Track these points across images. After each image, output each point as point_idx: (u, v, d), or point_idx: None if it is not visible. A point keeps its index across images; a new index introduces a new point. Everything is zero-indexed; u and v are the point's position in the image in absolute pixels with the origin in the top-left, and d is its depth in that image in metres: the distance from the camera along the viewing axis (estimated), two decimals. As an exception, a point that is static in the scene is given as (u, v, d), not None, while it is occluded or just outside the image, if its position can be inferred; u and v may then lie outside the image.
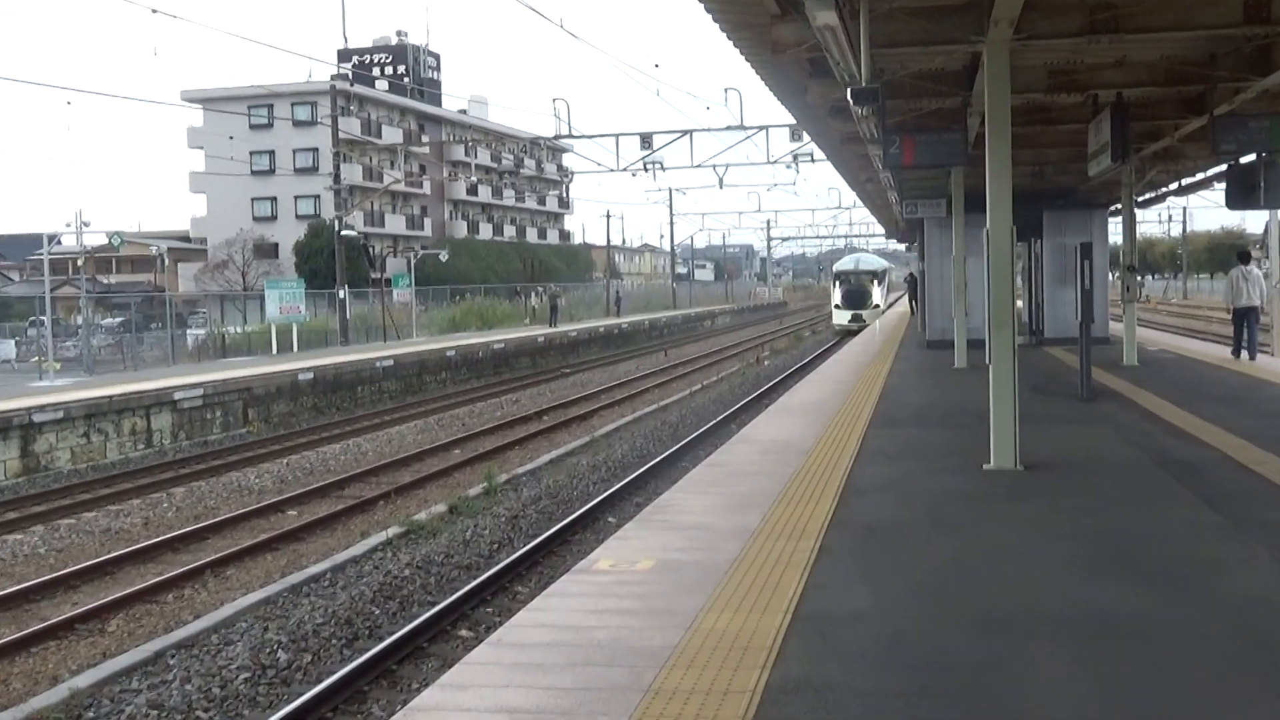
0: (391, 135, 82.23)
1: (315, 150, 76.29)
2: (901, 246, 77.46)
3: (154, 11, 33.09)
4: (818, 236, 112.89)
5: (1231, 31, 11.61)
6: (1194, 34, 11.76)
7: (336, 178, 44.22)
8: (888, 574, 6.96)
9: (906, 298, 55.15)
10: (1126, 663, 5.31)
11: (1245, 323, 20.66)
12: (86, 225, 34.85)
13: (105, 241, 38.64)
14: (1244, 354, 20.67)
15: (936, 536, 7.91)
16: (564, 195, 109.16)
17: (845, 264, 59.12)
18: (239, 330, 43.87)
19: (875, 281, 55.15)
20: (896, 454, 11.43)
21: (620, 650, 5.64)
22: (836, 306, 54.85)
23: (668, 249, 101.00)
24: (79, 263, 53.12)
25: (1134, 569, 6.91)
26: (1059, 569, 6.98)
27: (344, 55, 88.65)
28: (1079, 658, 5.39)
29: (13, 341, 43.25)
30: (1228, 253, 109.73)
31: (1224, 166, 18.44)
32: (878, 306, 54.17)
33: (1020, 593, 6.48)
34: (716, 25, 12.15)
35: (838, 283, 55.59)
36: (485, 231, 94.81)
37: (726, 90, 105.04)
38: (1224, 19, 11.03)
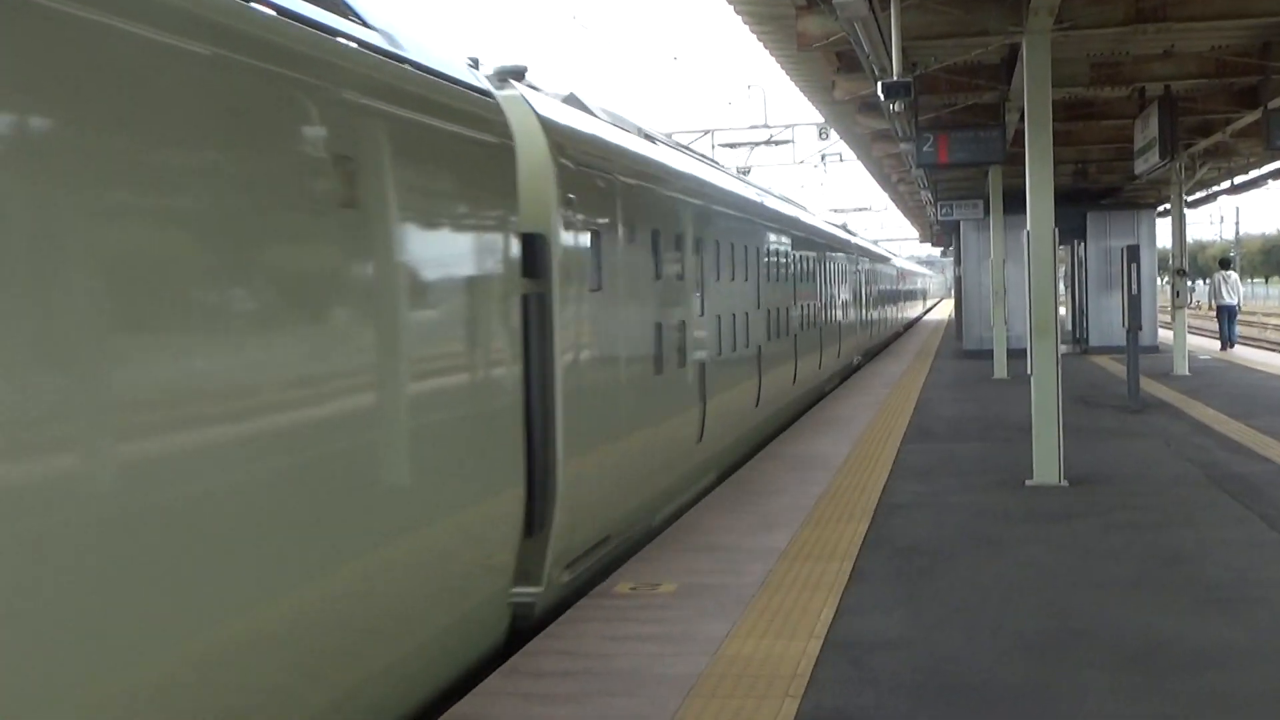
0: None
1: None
2: (937, 251, 77.36)
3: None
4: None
5: (1287, 19, 11.58)
6: (1247, 22, 11.73)
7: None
8: (925, 597, 6.91)
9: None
10: (1185, 691, 5.25)
11: (1227, 318, 26.73)
12: None
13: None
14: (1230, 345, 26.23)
15: (976, 557, 7.86)
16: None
17: None
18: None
19: None
20: (933, 470, 11.38)
21: (641, 679, 5.61)
22: None
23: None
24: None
25: (1188, 591, 6.85)
26: (1107, 591, 6.93)
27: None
28: (1132, 686, 5.33)
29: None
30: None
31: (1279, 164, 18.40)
32: None
33: (1067, 617, 6.43)
34: (739, 17, 12.17)
35: None
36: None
37: (749, 86, 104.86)
38: (1279, 6, 10.98)
